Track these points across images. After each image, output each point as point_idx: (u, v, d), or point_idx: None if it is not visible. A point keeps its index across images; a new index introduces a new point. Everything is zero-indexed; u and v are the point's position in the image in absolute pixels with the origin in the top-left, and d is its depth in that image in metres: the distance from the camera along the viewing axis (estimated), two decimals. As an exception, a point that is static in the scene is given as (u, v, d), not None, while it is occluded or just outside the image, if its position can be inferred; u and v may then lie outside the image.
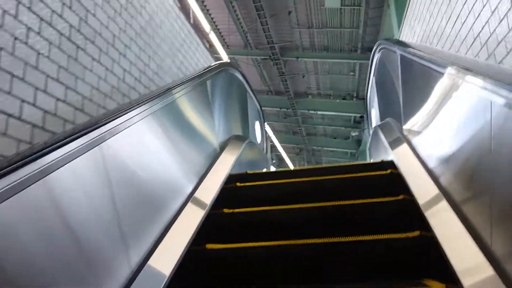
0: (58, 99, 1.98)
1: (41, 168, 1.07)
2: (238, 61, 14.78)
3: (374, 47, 4.29)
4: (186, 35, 4.00)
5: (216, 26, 12.60)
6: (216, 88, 3.97)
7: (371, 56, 4.56)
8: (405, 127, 3.24)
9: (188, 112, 3.01)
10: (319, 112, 17.60)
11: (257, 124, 5.58)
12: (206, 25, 8.72)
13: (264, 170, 5.03)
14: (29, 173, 1.03)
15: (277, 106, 17.47)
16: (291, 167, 23.28)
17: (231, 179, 3.10)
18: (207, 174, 2.98)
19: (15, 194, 0.97)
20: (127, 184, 1.53)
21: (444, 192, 1.98)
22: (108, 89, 2.47)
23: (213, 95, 3.79)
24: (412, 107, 2.92)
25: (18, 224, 0.98)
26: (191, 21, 9.62)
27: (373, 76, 4.91)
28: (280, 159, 25.11)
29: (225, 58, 10.09)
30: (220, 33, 12.96)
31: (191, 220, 2.22)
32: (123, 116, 1.53)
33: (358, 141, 21.44)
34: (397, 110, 3.54)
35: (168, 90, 2.47)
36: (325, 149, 23.49)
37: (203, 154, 3.08)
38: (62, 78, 2.02)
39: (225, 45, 13.45)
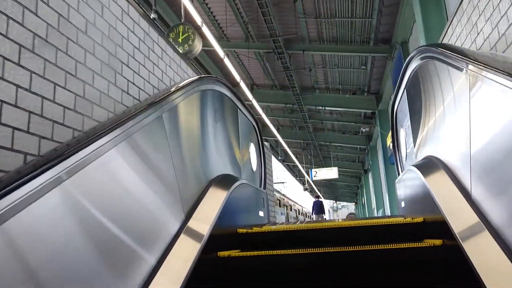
0: None
1: None
2: (239, 54, 13.45)
3: (412, 54, 2.98)
4: (142, 39, 2.73)
5: (214, 17, 11.23)
6: (188, 115, 2.71)
7: (405, 64, 3.26)
8: (476, 187, 1.96)
9: (136, 159, 1.82)
10: (327, 108, 16.24)
11: (252, 147, 4.30)
12: (197, 17, 7.40)
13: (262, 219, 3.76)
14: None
15: (282, 101, 16.15)
16: (298, 164, 21.99)
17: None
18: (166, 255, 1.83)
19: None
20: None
21: None
22: None
23: (181, 126, 2.53)
24: (501, 157, 1.65)
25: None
26: (182, 12, 8.31)
27: (405, 89, 3.60)
28: (286, 154, 23.84)
29: (220, 53, 8.75)
30: (218, 24, 11.59)
31: None
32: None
33: (369, 137, 20.08)
34: (456, 149, 2.25)
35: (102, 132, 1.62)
36: (333, 145, 22.17)
37: (159, 223, 1.88)
38: None
39: (224, 38, 12.09)
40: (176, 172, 2.28)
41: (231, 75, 10.20)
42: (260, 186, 4.37)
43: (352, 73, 14.18)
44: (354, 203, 48.39)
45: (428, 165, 2.70)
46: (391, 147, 13.20)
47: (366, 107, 15.80)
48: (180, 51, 8.70)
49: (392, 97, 4.22)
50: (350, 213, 56.80)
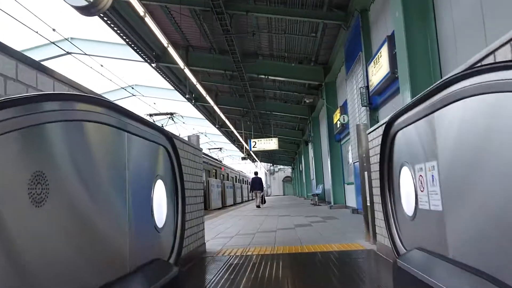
0: None
1: None
2: (171, 11, 11.13)
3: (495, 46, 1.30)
4: None
5: (136, -39, 8.79)
6: None
7: (465, 71, 1.57)
8: None
9: None
10: (270, 77, 14.50)
11: (158, 186, 2.48)
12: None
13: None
14: None
15: (221, 67, 14.11)
16: (237, 134, 20.33)
17: None
18: None
19: None
20: None
21: None
22: None
23: None
24: None
25: None
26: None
27: (436, 111, 1.92)
28: (222, 125, 22.03)
29: (139, 10, 6.57)
30: (143, -29, 9.18)
31: None
32: None
33: (312, 107, 18.76)
34: None
35: None
36: (273, 114, 20.65)
37: None
38: None
39: (151, -11, 9.72)
40: None
41: (158, 37, 8.07)
42: (171, 255, 2.57)
43: (301, 40, 12.41)
44: (290, 167, 48.19)
45: None
46: (338, 125, 11.82)
47: (313, 78, 14.25)
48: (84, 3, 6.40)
49: (387, 108, 2.55)
50: (286, 177, 57.04)
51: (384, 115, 7.96)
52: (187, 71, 9.95)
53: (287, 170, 55.15)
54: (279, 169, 57.03)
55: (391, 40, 6.44)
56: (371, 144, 4.42)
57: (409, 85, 5.20)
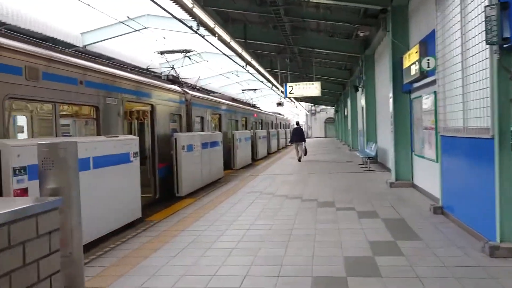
0: None
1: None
2: None
3: None
4: None
5: None
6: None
7: None
8: None
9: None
10: (312, 0, 10.14)
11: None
12: None
13: None
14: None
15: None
16: (271, 78, 16.25)
17: None
18: None
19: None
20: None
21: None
22: None
23: None
24: None
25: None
26: None
27: None
28: (259, 56, 17.89)
29: None
30: None
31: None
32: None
33: (366, 42, 14.22)
34: None
35: None
36: (316, 51, 16.23)
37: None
38: None
39: None
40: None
41: None
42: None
43: None
44: (334, 108, 43.57)
45: None
46: (413, 71, 7.62)
47: (373, 0, 9.76)
48: None
49: None
50: (328, 118, 52.55)
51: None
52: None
53: (330, 111, 50.48)
54: (321, 109, 52.36)
55: None
56: None
57: None
